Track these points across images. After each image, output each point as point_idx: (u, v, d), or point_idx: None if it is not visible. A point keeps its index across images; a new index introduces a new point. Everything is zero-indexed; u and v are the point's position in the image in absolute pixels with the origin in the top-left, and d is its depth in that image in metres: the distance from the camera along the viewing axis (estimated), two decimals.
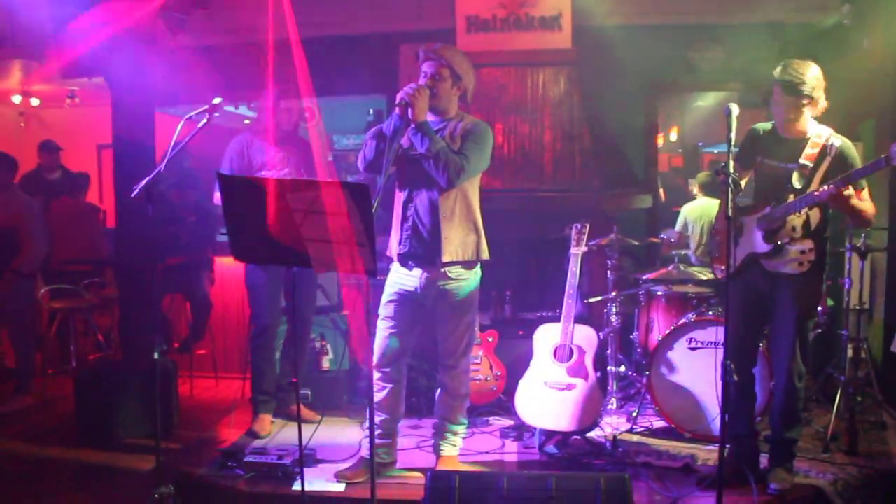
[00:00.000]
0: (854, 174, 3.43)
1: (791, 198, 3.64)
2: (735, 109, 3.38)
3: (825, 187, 3.46)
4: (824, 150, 3.65)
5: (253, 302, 4.80)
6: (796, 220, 3.66)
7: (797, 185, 3.65)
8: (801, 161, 3.65)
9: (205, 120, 3.84)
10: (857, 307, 5.00)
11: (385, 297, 3.94)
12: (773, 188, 3.72)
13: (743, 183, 3.93)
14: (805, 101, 3.61)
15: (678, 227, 7.10)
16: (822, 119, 3.75)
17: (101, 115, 6.65)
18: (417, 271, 3.83)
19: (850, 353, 4.89)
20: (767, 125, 3.85)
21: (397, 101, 3.61)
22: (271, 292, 4.73)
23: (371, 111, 8.84)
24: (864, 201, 3.59)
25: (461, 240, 3.80)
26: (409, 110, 3.59)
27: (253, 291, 4.78)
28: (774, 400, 3.94)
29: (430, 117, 3.76)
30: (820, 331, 5.05)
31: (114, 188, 5.96)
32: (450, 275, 3.81)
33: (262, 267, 4.60)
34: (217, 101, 3.92)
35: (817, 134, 3.69)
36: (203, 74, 6.13)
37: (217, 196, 4.63)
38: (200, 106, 3.85)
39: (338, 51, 6.32)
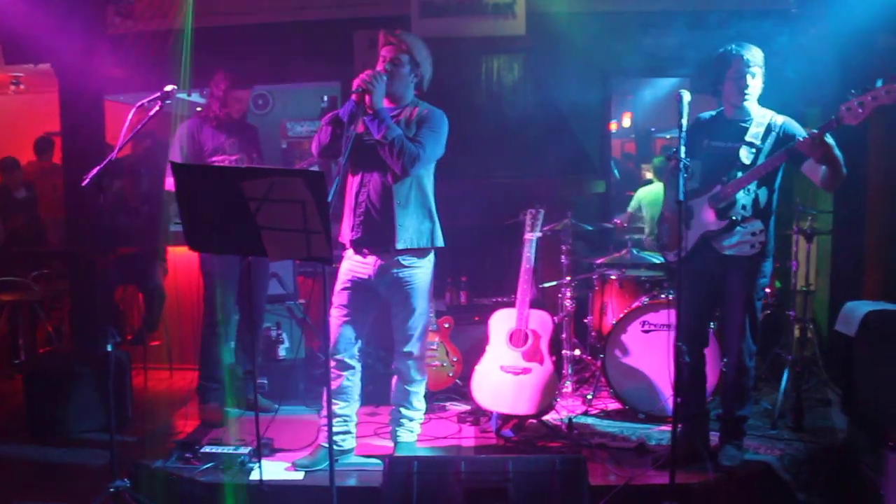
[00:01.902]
0: (819, 130, 3.44)
1: (740, 174, 3.72)
2: (686, 96, 3.44)
3: (807, 135, 3.48)
4: (769, 128, 3.76)
5: (208, 291, 4.76)
6: (745, 199, 3.74)
7: (745, 161, 3.74)
8: (748, 139, 3.75)
9: (157, 108, 3.79)
10: (804, 289, 5.13)
11: (339, 285, 3.93)
12: (721, 167, 3.79)
13: None
14: (759, 76, 3.74)
15: (631, 208, 7.20)
16: (771, 106, 3.84)
17: (48, 102, 6.51)
18: (371, 258, 3.83)
19: (796, 333, 5.03)
20: (711, 112, 3.95)
21: (354, 87, 3.60)
22: (226, 281, 4.69)
23: (325, 98, 8.79)
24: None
25: (416, 227, 3.81)
26: (366, 97, 3.58)
27: (208, 280, 4.73)
28: (726, 379, 4.03)
29: (386, 103, 3.75)
30: (768, 312, 5.17)
31: (63, 178, 5.86)
32: (404, 262, 3.82)
33: (217, 255, 4.56)
34: (169, 88, 3.87)
35: (761, 115, 3.80)
36: (154, 61, 6.03)
37: (169, 182, 4.59)
38: (152, 93, 3.80)
39: (292, 37, 6.26)
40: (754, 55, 3.73)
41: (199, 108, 5.95)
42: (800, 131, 3.73)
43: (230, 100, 4.67)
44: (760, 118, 3.79)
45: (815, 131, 3.45)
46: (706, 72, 3.88)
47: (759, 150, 3.74)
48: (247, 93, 4.81)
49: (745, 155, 3.74)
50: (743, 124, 3.79)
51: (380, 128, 3.62)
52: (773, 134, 3.76)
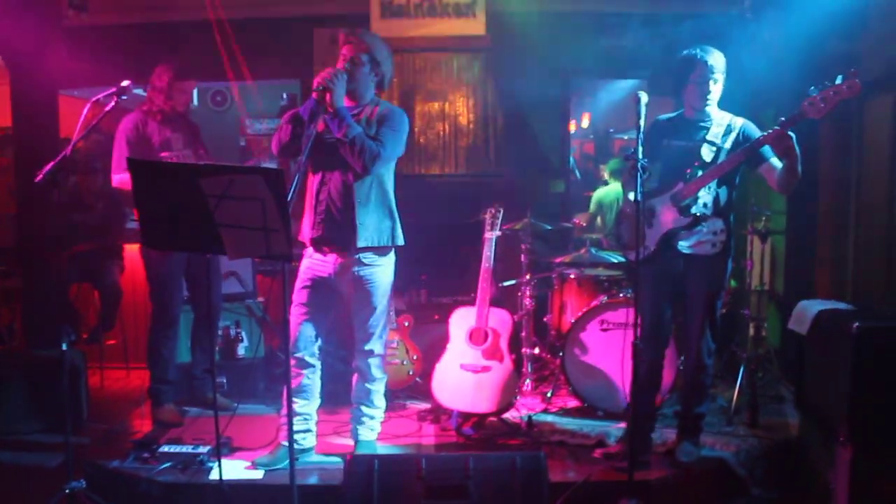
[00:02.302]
0: (784, 123, 3.52)
1: (700, 172, 3.78)
2: (644, 97, 3.49)
3: (771, 130, 3.55)
4: (729, 129, 3.84)
5: (153, 293, 4.65)
6: (706, 197, 3.80)
7: (707, 158, 3.81)
8: (709, 138, 3.82)
9: (113, 103, 3.74)
10: (759, 288, 5.22)
11: (299, 283, 3.92)
12: (682, 165, 3.83)
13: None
14: (720, 81, 3.80)
15: (591, 209, 7.27)
16: (727, 108, 3.91)
17: None
18: (331, 256, 3.82)
19: (751, 331, 5.12)
20: (670, 114, 4.00)
21: (315, 85, 3.59)
22: (171, 282, 4.61)
23: (285, 95, 8.73)
24: None
25: (376, 225, 3.81)
26: (327, 95, 3.57)
27: (153, 282, 4.63)
28: (685, 377, 4.09)
29: (346, 102, 3.74)
30: (723, 311, 5.25)
31: (15, 174, 5.74)
32: (364, 260, 3.82)
33: (159, 256, 4.48)
34: (126, 83, 3.82)
35: (720, 117, 3.87)
36: (108, 55, 5.94)
37: (116, 178, 4.49)
38: (108, 88, 3.75)
39: (252, 34, 6.21)
40: (717, 61, 3.78)
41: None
42: (758, 133, 3.80)
43: (175, 91, 4.54)
44: (720, 119, 3.86)
45: (777, 126, 3.53)
46: (669, 73, 3.93)
47: (719, 150, 3.81)
48: (192, 84, 4.69)
49: (707, 153, 3.80)
50: (703, 125, 3.86)
51: (340, 126, 3.62)
52: (733, 134, 3.84)
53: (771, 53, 5.51)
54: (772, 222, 5.18)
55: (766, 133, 3.60)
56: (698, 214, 3.79)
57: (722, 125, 3.85)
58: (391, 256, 3.94)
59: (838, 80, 3.37)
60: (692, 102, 3.87)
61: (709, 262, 3.86)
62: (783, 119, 3.52)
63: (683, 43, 3.91)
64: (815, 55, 5.02)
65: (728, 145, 3.82)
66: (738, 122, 3.87)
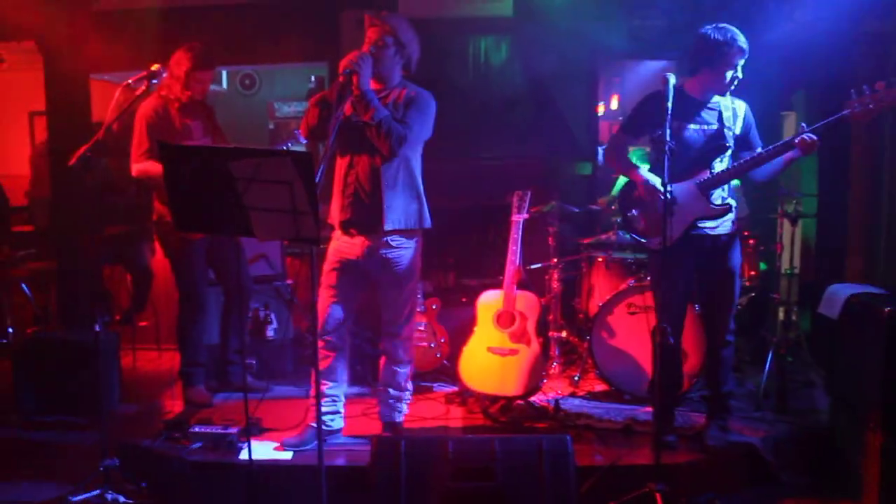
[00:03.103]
0: (819, 127, 3.56)
1: (724, 156, 3.78)
2: (673, 79, 3.46)
3: (810, 135, 3.57)
4: (735, 112, 3.83)
5: (178, 277, 4.65)
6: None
7: (730, 144, 3.79)
8: (726, 122, 3.79)
9: (144, 87, 3.78)
10: (788, 271, 5.17)
11: (327, 265, 3.94)
12: (704, 151, 3.78)
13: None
14: None
15: (614, 192, 7.21)
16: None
17: (33, 80, 6.45)
18: (359, 239, 3.84)
19: (780, 315, 5.07)
20: (668, 91, 3.91)
21: (341, 69, 3.59)
22: (197, 265, 4.64)
23: (312, 78, 8.75)
24: None
25: (403, 208, 3.82)
26: (353, 78, 3.58)
27: (176, 266, 4.64)
28: (710, 356, 4.06)
29: (373, 85, 3.75)
30: (753, 294, 5.21)
31: (48, 157, 5.82)
32: (392, 243, 3.83)
33: (183, 241, 4.49)
34: (156, 67, 3.86)
35: (725, 99, 3.83)
36: (139, 39, 5.98)
37: (136, 168, 4.47)
38: (139, 72, 3.79)
39: (279, 16, 6.22)
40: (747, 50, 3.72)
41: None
42: (751, 116, 3.85)
43: (192, 82, 4.45)
44: (726, 102, 3.82)
45: (812, 134, 3.54)
46: (697, 50, 3.76)
47: (734, 135, 3.81)
48: (210, 74, 4.60)
49: (729, 140, 3.78)
50: (711, 108, 3.81)
51: (367, 109, 3.62)
52: (741, 119, 3.84)
53: (805, 33, 5.42)
54: (802, 205, 5.11)
55: (802, 134, 3.58)
56: (729, 204, 3.78)
57: (729, 108, 3.82)
58: (418, 239, 3.95)
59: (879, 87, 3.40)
60: (715, 87, 3.77)
61: (729, 241, 3.88)
62: (824, 122, 3.51)
63: (717, 22, 3.84)
64: (851, 35, 4.94)
65: (738, 130, 3.81)
66: (741, 105, 3.85)
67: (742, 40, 3.68)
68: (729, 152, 3.82)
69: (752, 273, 5.10)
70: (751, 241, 5.08)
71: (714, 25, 3.71)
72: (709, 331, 4.04)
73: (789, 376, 4.73)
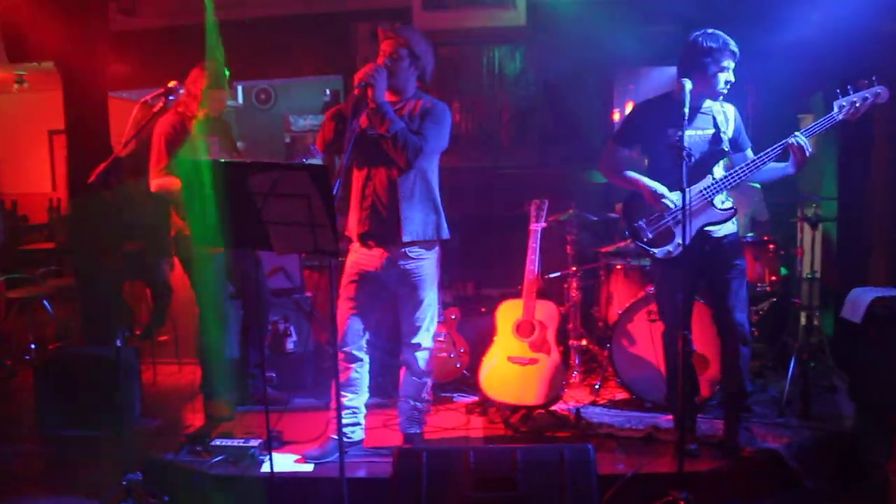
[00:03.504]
0: (812, 128, 3.63)
1: (721, 162, 3.82)
2: (689, 84, 3.45)
3: (799, 138, 3.60)
4: (726, 116, 3.84)
5: (197, 292, 4.64)
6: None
7: (727, 147, 3.79)
8: (720, 126, 3.79)
9: (161, 104, 3.81)
10: (809, 275, 5.13)
11: (346, 277, 3.95)
12: (702, 157, 3.76)
13: None
14: None
15: None
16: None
17: (52, 99, 6.52)
18: (378, 251, 3.85)
19: (802, 320, 5.03)
20: (658, 98, 3.91)
21: (356, 82, 3.61)
22: (217, 279, 4.65)
23: (327, 91, 8.80)
24: None
25: (421, 219, 3.83)
26: (369, 90, 3.59)
27: (199, 281, 4.67)
28: (729, 358, 3.95)
29: (389, 97, 3.76)
30: (774, 300, 5.17)
31: (67, 175, 5.88)
32: (410, 254, 3.83)
33: (196, 258, 4.50)
34: (173, 84, 3.89)
35: (715, 103, 3.83)
36: (155, 57, 6.05)
37: (155, 183, 4.51)
38: (155, 89, 3.82)
39: (294, 31, 6.26)
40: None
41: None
42: (740, 119, 3.88)
43: (209, 99, 4.49)
44: (717, 106, 3.83)
45: (801, 137, 3.59)
46: (689, 54, 3.73)
47: (728, 139, 3.81)
48: (225, 92, 4.64)
49: (726, 144, 3.78)
50: (704, 113, 3.81)
51: (382, 121, 3.64)
52: (732, 122, 3.85)
53: (822, 35, 5.40)
54: (822, 209, 5.07)
55: (797, 137, 3.61)
56: (733, 207, 3.80)
57: (721, 112, 3.83)
58: (436, 250, 3.95)
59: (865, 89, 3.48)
60: (707, 91, 3.74)
61: (735, 239, 3.90)
62: (814, 125, 3.53)
63: (731, 26, 3.83)
64: (869, 35, 4.90)
65: (731, 134, 3.82)
66: (731, 108, 3.87)
67: (733, 44, 3.68)
68: (725, 157, 3.84)
69: (773, 278, 5.05)
70: (771, 246, 5.04)
71: (703, 31, 3.72)
72: (722, 329, 3.99)
73: (812, 381, 4.68)
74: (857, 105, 3.52)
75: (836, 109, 3.57)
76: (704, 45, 3.67)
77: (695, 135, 3.76)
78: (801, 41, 5.37)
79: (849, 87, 3.52)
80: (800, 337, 4.94)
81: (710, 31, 3.71)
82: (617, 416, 4.54)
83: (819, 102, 5.76)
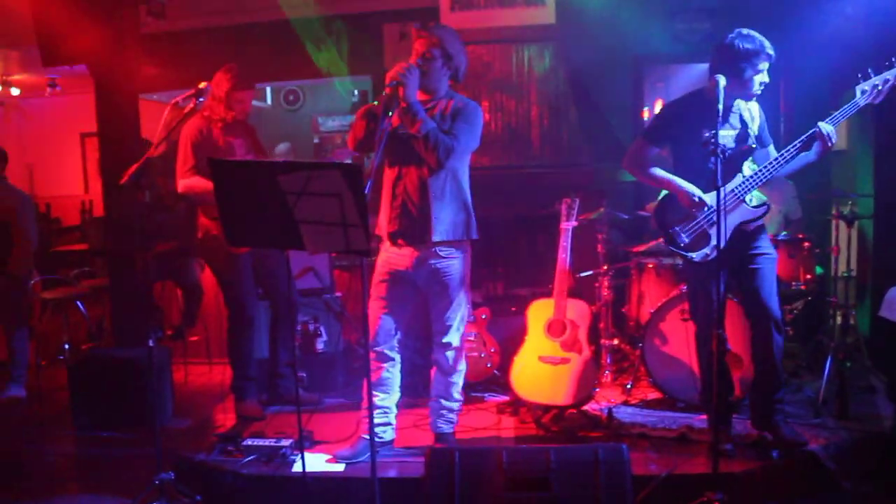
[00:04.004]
0: (836, 116, 3.62)
1: (749, 160, 3.81)
2: (723, 81, 3.41)
3: (824, 125, 3.58)
4: (751, 113, 3.81)
5: (226, 293, 4.71)
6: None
7: (754, 144, 3.78)
8: (747, 123, 3.78)
9: (192, 105, 3.83)
10: (846, 274, 5.04)
11: (377, 277, 3.95)
12: (733, 155, 3.72)
13: None
14: None
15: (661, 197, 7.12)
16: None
17: (84, 103, 6.60)
18: (408, 250, 3.84)
19: (839, 319, 4.95)
20: (691, 96, 3.87)
21: (388, 81, 3.60)
22: (245, 281, 4.68)
23: (356, 92, 8.81)
24: None
25: (451, 219, 3.82)
26: (400, 90, 3.59)
27: (224, 283, 4.70)
28: (764, 346, 3.89)
29: (420, 96, 3.76)
30: (809, 298, 5.10)
31: (100, 177, 5.93)
32: (440, 253, 3.82)
33: (229, 257, 4.51)
34: (203, 85, 3.91)
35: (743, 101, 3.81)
36: (185, 59, 6.09)
37: (182, 183, 4.52)
38: (185, 91, 3.84)
39: (323, 32, 6.28)
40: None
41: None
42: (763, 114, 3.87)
43: (233, 102, 4.53)
44: (741, 103, 3.80)
45: (828, 125, 3.59)
46: (728, 55, 3.67)
47: (755, 137, 3.80)
48: (250, 94, 4.66)
49: (752, 140, 3.77)
50: (733, 111, 3.79)
51: (413, 121, 3.63)
52: (758, 118, 3.83)
53: (856, 28, 5.31)
54: (858, 206, 4.99)
55: (822, 126, 3.59)
56: (766, 203, 3.79)
57: (747, 109, 3.81)
58: (467, 249, 3.94)
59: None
60: (741, 92, 3.72)
61: (762, 230, 3.88)
62: (838, 112, 3.51)
63: (763, 22, 3.78)
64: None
65: (756, 131, 3.81)
66: (755, 105, 3.84)
67: (769, 46, 3.63)
68: (750, 153, 3.82)
69: (808, 276, 4.97)
70: (805, 245, 4.97)
71: (738, 33, 3.66)
72: (752, 315, 3.91)
73: (849, 382, 4.60)
74: (880, 87, 3.51)
75: (858, 94, 3.56)
76: (741, 47, 3.62)
77: (726, 134, 3.74)
78: (835, 35, 5.30)
79: (869, 69, 3.48)
80: (835, 336, 4.86)
81: (745, 32, 3.66)
82: (649, 416, 4.49)
83: (849, 100, 5.68)
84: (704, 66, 3.83)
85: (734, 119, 3.78)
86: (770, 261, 3.86)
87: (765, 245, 3.87)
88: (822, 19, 5.43)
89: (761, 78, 3.68)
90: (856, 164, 5.60)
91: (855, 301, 5.26)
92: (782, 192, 5.29)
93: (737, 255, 3.82)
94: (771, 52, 3.64)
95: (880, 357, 4.95)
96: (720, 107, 3.37)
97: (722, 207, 3.31)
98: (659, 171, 3.89)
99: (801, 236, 5.00)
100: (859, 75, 3.49)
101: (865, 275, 5.52)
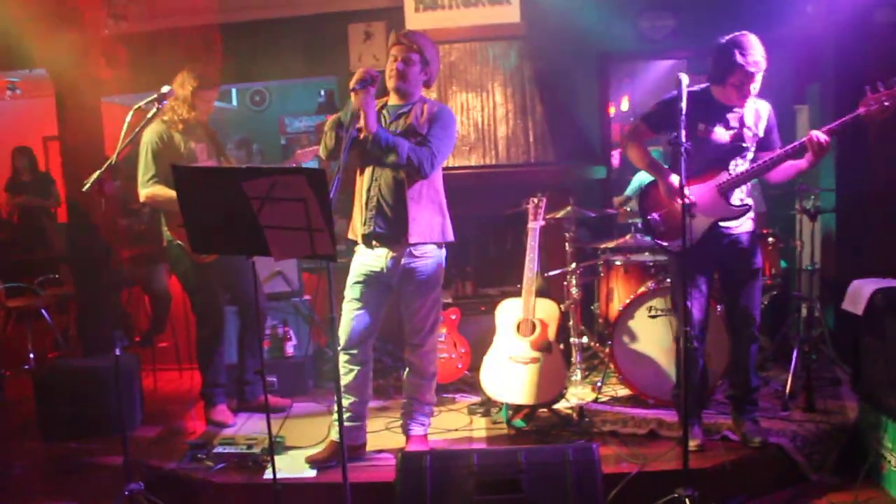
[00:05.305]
0: (834, 127, 3.55)
1: (742, 157, 3.79)
2: (685, 79, 3.42)
3: (818, 134, 3.53)
4: (758, 114, 3.81)
5: (197, 301, 4.66)
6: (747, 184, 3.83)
7: (747, 144, 3.78)
8: (747, 123, 3.77)
9: (155, 109, 3.78)
10: (809, 268, 5.11)
11: (351, 279, 3.93)
12: (725, 154, 3.78)
13: None
14: None
15: (628, 191, 7.16)
16: (771, 83, 3.84)
17: (46, 106, 6.50)
18: (383, 251, 3.83)
19: (803, 313, 5.01)
20: (696, 90, 3.84)
21: (351, 85, 3.57)
22: (211, 288, 4.63)
23: (322, 92, 8.77)
24: None
25: (428, 221, 3.82)
26: (361, 119, 3.59)
27: (194, 291, 4.65)
28: (740, 355, 4.02)
29: (396, 100, 3.82)
30: (774, 293, 5.16)
31: (63, 182, 5.85)
32: (416, 253, 3.83)
33: (195, 265, 4.46)
34: (166, 89, 3.86)
35: (748, 100, 3.80)
36: (147, 61, 6.01)
37: (144, 193, 4.44)
38: (148, 94, 3.79)
39: (287, 32, 6.23)
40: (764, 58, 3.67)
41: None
42: (772, 115, 3.84)
43: (197, 101, 4.47)
44: (749, 103, 3.79)
45: (822, 135, 3.52)
46: (717, 57, 3.72)
47: (754, 136, 3.79)
48: (214, 93, 4.62)
49: (748, 142, 3.77)
50: (736, 109, 3.78)
51: (387, 153, 3.66)
52: (763, 121, 3.82)
53: (819, 26, 5.38)
54: (820, 200, 5.05)
55: (812, 135, 3.54)
56: (748, 204, 3.79)
57: (752, 109, 3.80)
58: (441, 250, 3.94)
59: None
60: (732, 97, 3.74)
61: (751, 241, 3.89)
62: (839, 122, 3.48)
63: (728, 19, 3.80)
64: (865, 26, 4.89)
65: (761, 132, 3.81)
66: (764, 106, 3.83)
67: (761, 55, 3.62)
68: (750, 154, 3.81)
69: (773, 271, 5.04)
70: (770, 239, 5.03)
71: (733, 39, 3.65)
72: (734, 328, 4.00)
73: (815, 374, 4.66)
74: (886, 104, 3.39)
75: (864, 107, 3.47)
76: (735, 60, 3.60)
77: (723, 132, 3.77)
78: (798, 32, 5.36)
79: (879, 83, 3.42)
80: (801, 329, 4.92)
81: (741, 40, 3.63)
82: (620, 414, 4.52)
83: (815, 93, 5.75)
84: (669, 63, 3.85)
85: (732, 118, 3.77)
86: (758, 274, 3.93)
87: (758, 258, 3.93)
88: (784, 18, 5.50)
89: (749, 87, 3.67)
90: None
91: (819, 294, 5.32)
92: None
93: (727, 258, 3.87)
94: (762, 60, 3.61)
95: (844, 349, 5.02)
96: (682, 105, 3.39)
97: (686, 200, 3.35)
98: (649, 153, 3.98)
99: (765, 231, 5.06)
100: (867, 87, 3.45)
101: (829, 268, 5.60)
